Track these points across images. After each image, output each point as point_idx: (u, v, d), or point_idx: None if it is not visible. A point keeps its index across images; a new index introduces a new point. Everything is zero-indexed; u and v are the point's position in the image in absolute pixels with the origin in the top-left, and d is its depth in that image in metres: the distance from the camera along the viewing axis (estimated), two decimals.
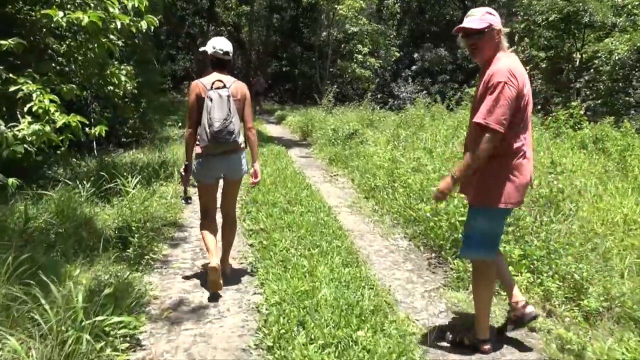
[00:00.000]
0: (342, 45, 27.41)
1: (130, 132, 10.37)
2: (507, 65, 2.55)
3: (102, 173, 5.94)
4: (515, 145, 2.62)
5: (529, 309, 2.92)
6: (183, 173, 3.93)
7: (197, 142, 3.67)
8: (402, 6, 28.15)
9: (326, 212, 5.61)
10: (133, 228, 4.33)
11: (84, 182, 5.77)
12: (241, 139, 3.68)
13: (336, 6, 24.04)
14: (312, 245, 4.46)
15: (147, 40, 11.74)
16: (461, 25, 2.68)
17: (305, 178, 7.63)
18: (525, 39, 20.34)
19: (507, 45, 2.73)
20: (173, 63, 34.90)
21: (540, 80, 22.47)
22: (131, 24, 5.25)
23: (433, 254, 4.61)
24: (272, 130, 15.34)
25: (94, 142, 8.89)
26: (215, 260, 3.55)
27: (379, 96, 29.71)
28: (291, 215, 5.32)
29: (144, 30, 5.56)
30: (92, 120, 9.31)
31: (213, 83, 3.58)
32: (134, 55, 10.50)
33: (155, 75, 11.32)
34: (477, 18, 2.66)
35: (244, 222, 5.42)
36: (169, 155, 9.03)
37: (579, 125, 10.88)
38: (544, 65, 20.72)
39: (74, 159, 8.23)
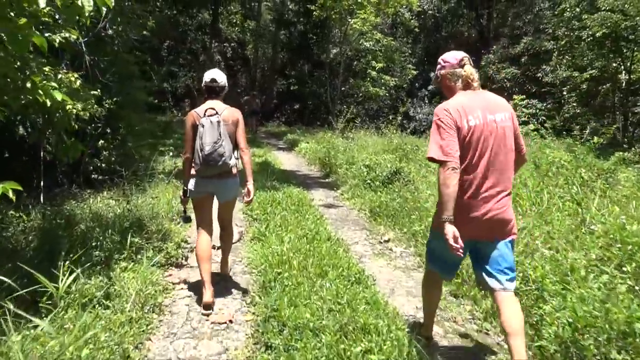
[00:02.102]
0: (355, 63, 24.93)
1: (103, 166, 7.69)
2: (445, 104, 2.68)
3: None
4: (461, 180, 2.57)
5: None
6: (183, 196, 4.05)
7: (193, 166, 3.83)
8: (418, 21, 25.68)
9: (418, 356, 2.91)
10: None
11: None
12: (233, 162, 3.81)
13: (350, 20, 21.60)
14: None
15: (131, 49, 9.14)
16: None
17: (347, 251, 4.95)
18: (566, 56, 17.80)
19: (459, 85, 2.76)
20: (174, 80, 32.72)
21: (574, 104, 19.99)
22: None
23: None
24: (284, 159, 12.56)
25: (42, 183, 6.26)
26: (207, 295, 3.71)
27: (390, 117, 27.22)
28: None
29: (89, 10, 3.13)
30: (44, 156, 6.69)
31: (206, 111, 3.76)
32: (111, 67, 7.88)
33: (140, 93, 8.68)
34: None
35: None
36: (149, 202, 6.35)
37: None
38: (584, 87, 18.16)
39: (11, 212, 5.63)
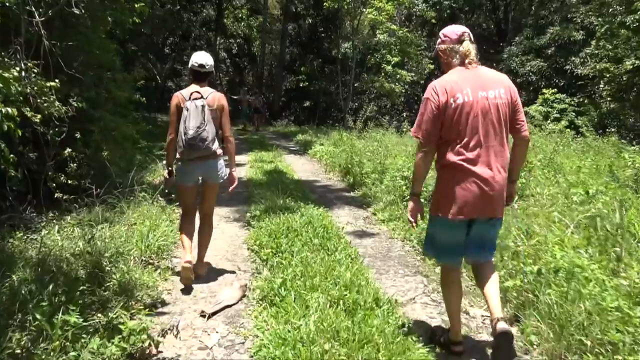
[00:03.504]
0: (367, 57, 23.03)
1: (69, 182, 5.91)
2: (436, 81, 2.68)
3: None
4: (453, 159, 2.60)
5: (500, 325, 2.57)
6: (167, 176, 4.08)
7: (177, 148, 3.81)
8: (435, 11, 23.71)
9: None
10: None
11: None
12: (216, 146, 3.80)
13: (363, 10, 19.73)
14: None
15: (110, 34, 7.37)
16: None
17: (409, 327, 3.15)
18: (607, 45, 15.82)
19: (456, 62, 2.68)
20: (178, 78, 31.16)
21: (609, 99, 18.04)
22: None
23: None
24: (297, 165, 10.57)
25: None
26: (187, 257, 3.78)
27: (405, 115, 25.32)
28: None
29: None
30: None
31: (191, 94, 3.75)
32: (81, 55, 6.12)
33: (120, 89, 6.88)
34: None
35: None
36: (120, 235, 4.59)
37: None
38: (624, 79, 16.19)
39: None
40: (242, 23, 30.00)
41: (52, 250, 4.20)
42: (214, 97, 3.80)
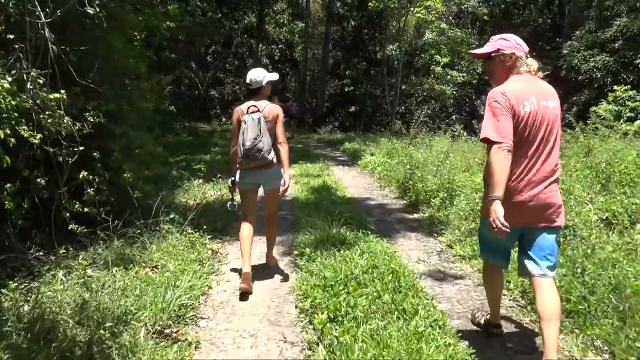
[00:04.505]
0: (415, 59, 21.67)
1: (88, 211, 4.94)
2: (504, 86, 2.59)
3: None
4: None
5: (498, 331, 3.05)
6: (231, 185, 4.25)
7: (237, 159, 4.08)
8: (486, 8, 22.09)
9: None
10: None
11: None
12: (271, 156, 3.98)
13: (412, 8, 18.39)
14: None
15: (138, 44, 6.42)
16: (471, 52, 3.02)
17: None
18: None
19: (526, 70, 2.65)
20: (222, 87, 30.74)
21: None
22: None
23: None
24: (348, 179, 9.30)
25: None
26: (246, 268, 3.89)
27: (454, 117, 23.81)
28: None
29: None
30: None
31: (249, 108, 3.99)
32: (95, 60, 5.18)
33: (146, 100, 5.90)
34: (489, 44, 2.75)
35: None
36: (134, 284, 3.56)
37: None
38: None
39: None
40: (284, 28, 29.15)
41: (45, 310, 3.23)
42: (270, 109, 4.01)
